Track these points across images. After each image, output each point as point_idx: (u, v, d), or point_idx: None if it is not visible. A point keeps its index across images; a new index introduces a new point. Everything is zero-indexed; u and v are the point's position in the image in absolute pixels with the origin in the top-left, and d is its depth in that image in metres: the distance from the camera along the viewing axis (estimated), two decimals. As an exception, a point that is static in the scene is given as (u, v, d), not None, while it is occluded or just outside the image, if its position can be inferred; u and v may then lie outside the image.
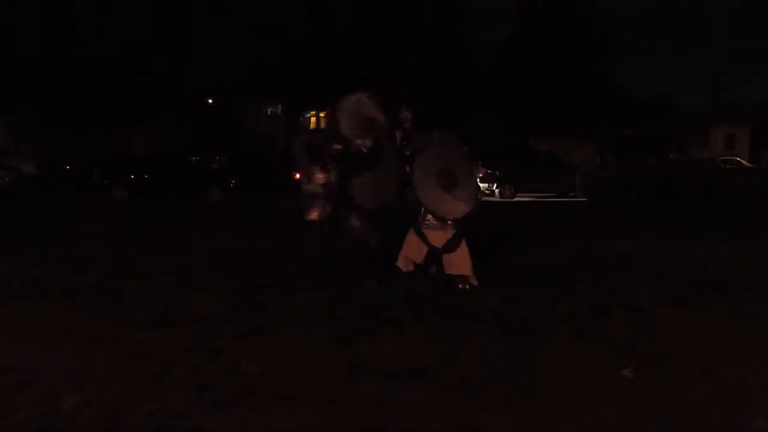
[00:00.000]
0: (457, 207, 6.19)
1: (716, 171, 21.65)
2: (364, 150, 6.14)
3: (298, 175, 21.94)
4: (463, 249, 6.22)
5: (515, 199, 20.09)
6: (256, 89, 34.08)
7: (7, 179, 22.55)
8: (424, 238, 6.26)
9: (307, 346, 4.58)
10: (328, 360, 4.30)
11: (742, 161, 31.42)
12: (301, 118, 6.49)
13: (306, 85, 30.23)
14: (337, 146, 6.17)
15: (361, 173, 6.24)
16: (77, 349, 4.44)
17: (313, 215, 6.22)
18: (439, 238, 6.22)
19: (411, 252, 6.32)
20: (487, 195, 19.48)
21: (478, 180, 6.69)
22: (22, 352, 4.37)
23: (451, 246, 6.20)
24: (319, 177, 6.24)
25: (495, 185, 20.49)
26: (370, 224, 6.33)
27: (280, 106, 38.06)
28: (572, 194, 20.84)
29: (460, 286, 6.21)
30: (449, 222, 6.20)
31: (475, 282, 6.22)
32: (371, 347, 4.56)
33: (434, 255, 6.23)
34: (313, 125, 6.48)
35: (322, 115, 6.48)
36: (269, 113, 38.85)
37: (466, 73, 31.28)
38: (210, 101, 35.54)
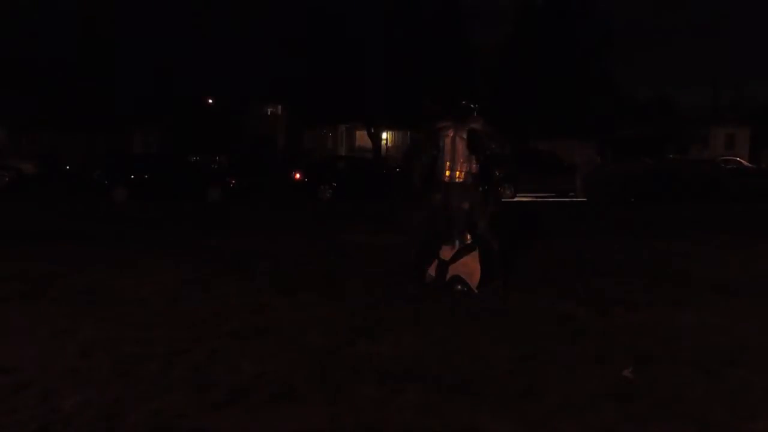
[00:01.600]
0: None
1: (716, 171, 21.64)
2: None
3: (297, 175, 22.09)
4: (474, 261, 6.27)
5: (515, 199, 20.09)
6: (256, 89, 34.09)
7: (7, 179, 22.55)
8: (437, 253, 6.39)
9: (307, 346, 4.58)
10: (328, 360, 4.30)
11: (742, 161, 31.43)
12: (464, 102, 6.42)
13: (306, 86, 30.23)
14: (497, 144, 6.35)
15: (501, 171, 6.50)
16: (77, 349, 4.44)
17: (465, 205, 6.25)
18: (447, 252, 6.33)
19: (433, 267, 6.42)
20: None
21: None
22: (22, 352, 4.36)
23: (456, 257, 6.30)
24: (474, 167, 6.29)
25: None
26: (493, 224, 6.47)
27: (280, 106, 38.07)
28: (572, 194, 20.84)
29: (459, 287, 6.21)
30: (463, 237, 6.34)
31: (475, 288, 6.22)
32: (371, 347, 4.56)
33: (442, 267, 6.33)
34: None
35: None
36: (269, 113, 38.87)
37: (466, 73, 31.28)
38: (210, 101, 35.53)
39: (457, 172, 6.25)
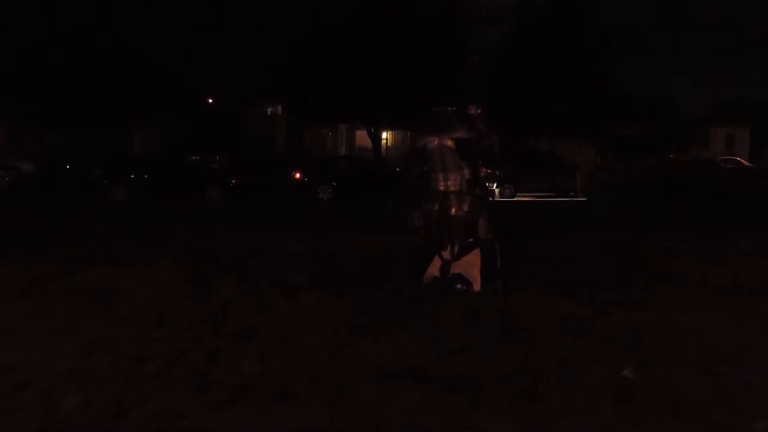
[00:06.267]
0: None
1: (716, 171, 21.66)
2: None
3: (297, 175, 22.06)
4: (476, 260, 6.31)
5: (515, 199, 20.09)
6: (256, 89, 34.06)
7: (7, 179, 22.55)
8: (439, 253, 6.43)
9: (307, 346, 4.58)
10: (328, 360, 4.30)
11: (742, 161, 31.43)
12: (448, 109, 6.48)
13: (305, 85, 30.22)
14: (490, 144, 6.38)
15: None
16: (77, 349, 4.44)
17: (462, 212, 6.27)
18: (448, 253, 6.40)
19: (433, 267, 6.44)
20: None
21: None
22: (22, 352, 4.36)
23: (458, 256, 6.35)
24: (467, 173, 6.35)
25: (495, 185, 20.50)
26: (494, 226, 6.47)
27: (280, 106, 38.03)
28: (572, 194, 20.86)
29: (459, 286, 6.23)
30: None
31: (476, 288, 6.24)
32: (371, 347, 4.56)
33: (445, 266, 6.39)
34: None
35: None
36: (269, 113, 38.83)
37: (466, 73, 31.28)
38: (210, 101, 35.50)
39: (450, 181, 6.32)
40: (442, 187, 6.34)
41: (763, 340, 4.85)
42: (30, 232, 10.67)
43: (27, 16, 28.64)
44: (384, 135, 36.56)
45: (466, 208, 6.31)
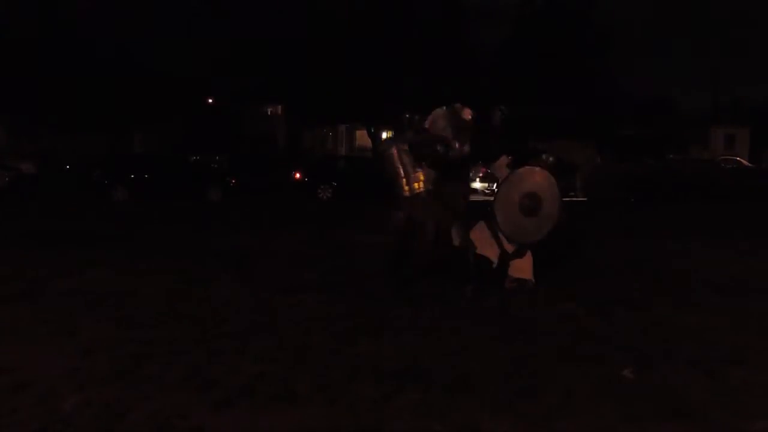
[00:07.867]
0: (533, 235, 6.54)
1: (716, 171, 21.66)
2: (463, 156, 6.38)
3: (297, 175, 21.97)
4: (529, 255, 6.44)
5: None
6: (255, 89, 34.08)
7: (7, 179, 22.55)
8: (498, 241, 6.44)
9: (307, 346, 4.58)
10: (328, 360, 4.30)
11: (742, 161, 31.44)
12: (408, 115, 6.47)
13: (306, 86, 30.26)
14: (440, 148, 6.28)
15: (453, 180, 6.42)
16: (77, 349, 4.43)
17: (429, 216, 6.23)
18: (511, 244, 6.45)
19: (486, 250, 6.44)
20: (487, 194, 19.52)
21: (560, 205, 6.85)
22: (22, 352, 4.36)
23: (522, 252, 6.43)
24: (429, 174, 6.26)
25: (495, 185, 20.53)
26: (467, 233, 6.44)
27: (280, 106, 38.08)
28: (572, 194, 20.85)
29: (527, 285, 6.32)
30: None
31: (532, 283, 6.37)
32: (371, 347, 4.56)
33: (504, 258, 6.44)
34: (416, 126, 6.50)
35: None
36: (269, 113, 38.88)
37: (466, 73, 31.28)
38: (209, 101, 35.54)
39: (415, 184, 6.27)
40: (407, 192, 6.30)
41: (763, 340, 4.85)
42: (30, 232, 10.66)
43: (27, 16, 28.66)
44: (384, 135, 36.60)
45: (431, 213, 6.26)
